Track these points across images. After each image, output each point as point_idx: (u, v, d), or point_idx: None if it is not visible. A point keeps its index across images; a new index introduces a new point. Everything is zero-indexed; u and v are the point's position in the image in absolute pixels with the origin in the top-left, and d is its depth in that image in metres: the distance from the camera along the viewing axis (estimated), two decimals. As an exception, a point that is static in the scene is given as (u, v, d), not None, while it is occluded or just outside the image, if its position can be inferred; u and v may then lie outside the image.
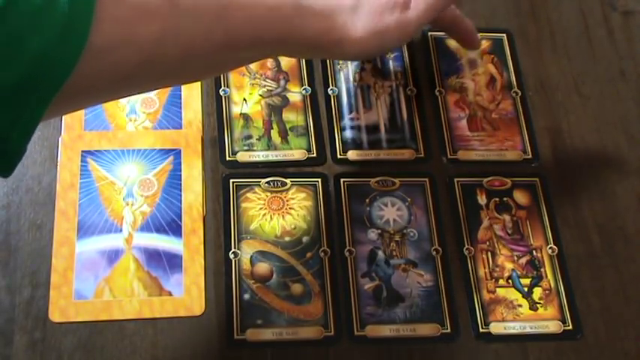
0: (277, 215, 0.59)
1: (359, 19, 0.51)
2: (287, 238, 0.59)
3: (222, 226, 0.59)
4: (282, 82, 0.65)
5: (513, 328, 0.57)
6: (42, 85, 0.35)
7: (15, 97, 0.34)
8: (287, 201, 0.60)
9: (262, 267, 0.57)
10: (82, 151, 0.60)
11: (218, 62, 0.47)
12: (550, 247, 0.61)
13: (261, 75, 0.65)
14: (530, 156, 0.65)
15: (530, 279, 0.59)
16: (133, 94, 0.51)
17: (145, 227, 0.58)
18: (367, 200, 0.61)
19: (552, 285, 0.59)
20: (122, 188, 0.59)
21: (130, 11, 0.38)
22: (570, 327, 0.58)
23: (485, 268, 0.59)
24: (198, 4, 0.42)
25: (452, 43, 0.69)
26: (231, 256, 0.57)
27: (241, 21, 0.44)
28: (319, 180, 0.61)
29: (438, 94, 0.67)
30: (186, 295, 0.56)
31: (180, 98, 0.63)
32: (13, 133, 0.35)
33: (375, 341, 0.56)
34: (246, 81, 0.65)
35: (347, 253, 0.59)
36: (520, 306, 0.58)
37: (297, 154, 0.62)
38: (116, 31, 0.37)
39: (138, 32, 0.38)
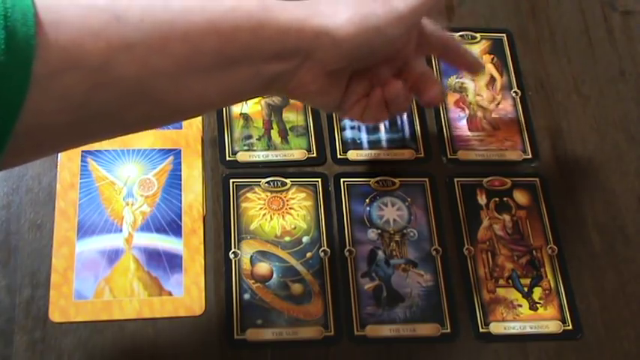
0: (277, 215, 0.59)
1: (340, 3, 0.46)
2: (287, 238, 0.59)
3: (222, 226, 0.59)
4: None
5: (513, 328, 0.57)
6: None
7: None
8: (287, 201, 0.60)
9: (262, 267, 0.57)
10: (82, 151, 0.60)
11: (192, 87, 0.42)
12: (550, 247, 0.61)
13: (261, 75, 0.65)
14: (530, 156, 0.65)
15: (530, 279, 0.59)
16: (111, 134, 0.44)
17: (145, 227, 0.58)
18: (367, 200, 0.61)
19: (552, 285, 0.59)
20: (122, 188, 0.59)
21: (72, 33, 0.36)
22: (570, 327, 0.58)
23: (485, 268, 0.59)
24: (146, 15, 0.38)
25: (452, 43, 0.69)
26: (231, 256, 0.57)
27: (201, 26, 0.40)
28: (319, 180, 0.61)
29: (438, 94, 0.67)
30: (186, 295, 0.56)
31: None
32: None
33: (375, 341, 0.56)
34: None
35: (347, 253, 0.59)
36: (520, 306, 0.58)
37: (297, 154, 0.62)
38: (61, 56, 0.35)
39: (84, 54, 0.36)
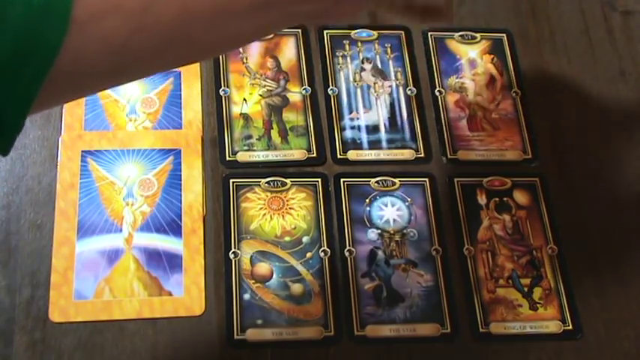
0: (277, 215, 0.59)
1: None
2: (287, 238, 0.59)
3: (222, 226, 0.59)
4: (282, 82, 0.65)
5: (513, 328, 0.57)
6: (32, 60, 0.34)
7: (6, 71, 0.34)
8: (287, 201, 0.60)
9: (262, 267, 0.57)
10: (82, 151, 0.60)
11: (229, 28, 0.43)
12: (550, 247, 0.61)
13: (261, 75, 0.65)
14: (530, 156, 0.65)
15: (530, 279, 0.59)
16: (147, 73, 0.47)
17: (145, 227, 0.58)
18: (367, 200, 0.61)
19: (552, 285, 0.59)
20: (122, 188, 0.59)
21: None
22: (570, 327, 0.58)
23: (485, 268, 0.59)
24: None
25: (452, 43, 0.69)
26: (231, 256, 0.57)
27: None
28: (319, 180, 0.61)
29: (438, 94, 0.67)
30: (186, 295, 0.56)
31: (181, 98, 0.63)
32: (8, 108, 0.35)
33: (375, 341, 0.56)
34: (246, 81, 0.65)
35: (347, 253, 0.59)
36: (520, 306, 0.58)
37: (297, 154, 0.62)
38: (100, 1, 0.36)
39: None
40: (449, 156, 0.64)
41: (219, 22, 0.42)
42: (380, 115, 0.65)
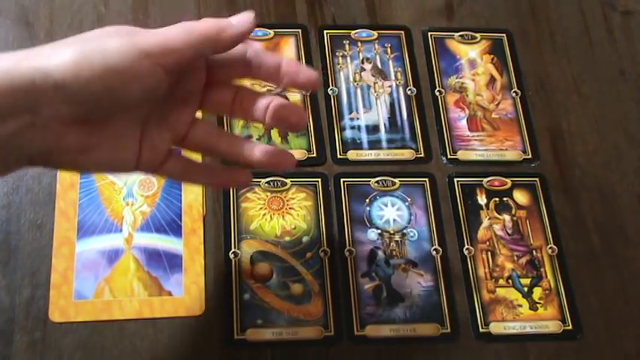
0: (277, 215, 0.59)
1: (65, 43, 0.39)
2: (287, 238, 0.59)
3: (222, 226, 0.59)
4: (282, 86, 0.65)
5: (513, 328, 0.57)
6: None
7: None
8: (287, 201, 0.60)
9: (262, 267, 0.57)
10: (82, 151, 0.60)
11: None
12: (550, 247, 0.61)
13: (261, 75, 0.65)
14: (530, 156, 0.65)
15: (530, 279, 0.59)
16: None
17: (145, 227, 0.58)
18: (367, 200, 0.61)
19: (552, 285, 0.59)
20: (122, 188, 0.59)
21: None
22: (570, 327, 0.58)
23: (485, 268, 0.59)
24: None
25: (452, 43, 0.69)
26: (231, 256, 0.57)
27: None
28: (319, 180, 0.61)
29: (438, 94, 0.67)
30: (186, 295, 0.56)
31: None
32: None
33: (375, 341, 0.56)
34: (247, 81, 0.65)
35: (347, 253, 0.59)
36: (520, 306, 0.58)
37: (297, 154, 0.62)
38: None
39: None
40: (449, 156, 0.64)
41: None
42: (380, 115, 0.65)
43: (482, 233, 0.61)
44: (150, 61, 0.39)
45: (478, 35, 0.70)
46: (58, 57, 0.37)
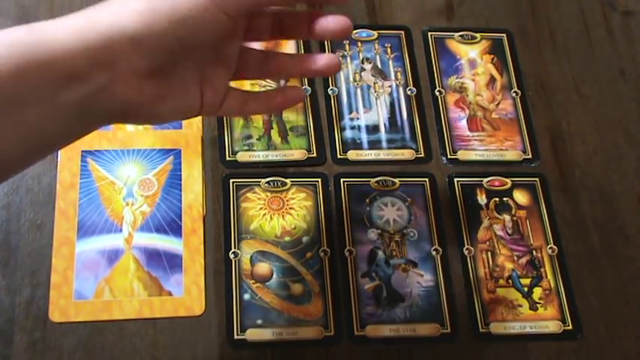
0: (277, 215, 0.59)
1: None
2: (287, 238, 0.59)
3: (222, 226, 0.59)
4: (281, 82, 0.65)
5: (513, 328, 0.57)
6: None
7: None
8: (287, 201, 0.60)
9: (262, 267, 0.57)
10: (82, 151, 0.60)
11: None
12: (550, 247, 0.61)
13: (261, 75, 0.65)
14: (530, 156, 0.65)
15: (530, 279, 0.59)
16: None
17: (145, 227, 0.58)
18: (367, 200, 0.61)
19: (552, 285, 0.59)
20: (122, 188, 0.59)
21: None
22: (570, 327, 0.58)
23: (485, 268, 0.59)
24: None
25: (452, 43, 0.69)
26: (231, 256, 0.57)
27: None
28: (319, 180, 0.61)
29: (438, 94, 0.67)
30: (186, 295, 0.56)
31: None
32: None
33: (375, 341, 0.56)
34: (246, 81, 0.65)
35: (347, 253, 0.59)
36: (520, 306, 0.58)
37: (297, 154, 0.62)
38: None
39: None
40: (449, 156, 0.64)
41: None
42: (380, 115, 0.65)
43: (482, 233, 0.61)
44: (216, 9, 0.40)
45: (478, 35, 0.70)
46: (128, 12, 0.38)
